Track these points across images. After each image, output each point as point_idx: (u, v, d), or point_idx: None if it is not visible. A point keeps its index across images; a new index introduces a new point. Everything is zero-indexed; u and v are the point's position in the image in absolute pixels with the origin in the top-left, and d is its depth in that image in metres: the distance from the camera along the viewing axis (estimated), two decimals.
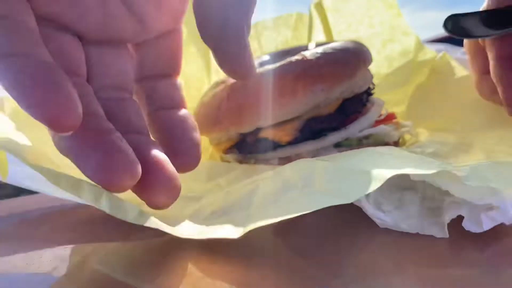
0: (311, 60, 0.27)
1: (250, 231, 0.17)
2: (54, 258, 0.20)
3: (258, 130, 0.27)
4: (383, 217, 0.20)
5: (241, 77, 0.21)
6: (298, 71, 0.26)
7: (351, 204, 0.23)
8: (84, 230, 0.23)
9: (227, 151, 0.29)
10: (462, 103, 0.30)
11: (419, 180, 0.21)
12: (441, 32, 0.26)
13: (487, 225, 0.17)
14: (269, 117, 0.26)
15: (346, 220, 0.22)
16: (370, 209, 0.20)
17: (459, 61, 0.34)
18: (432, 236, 0.18)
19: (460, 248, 0.18)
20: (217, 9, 0.20)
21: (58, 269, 0.18)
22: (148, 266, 0.18)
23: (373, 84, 0.30)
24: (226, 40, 0.20)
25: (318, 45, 0.29)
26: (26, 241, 0.22)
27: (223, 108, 0.28)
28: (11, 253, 0.21)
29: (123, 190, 0.16)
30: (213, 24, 0.20)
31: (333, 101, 0.27)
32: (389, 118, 0.29)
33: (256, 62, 0.30)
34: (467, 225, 0.18)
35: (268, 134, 0.27)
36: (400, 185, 0.22)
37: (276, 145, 0.27)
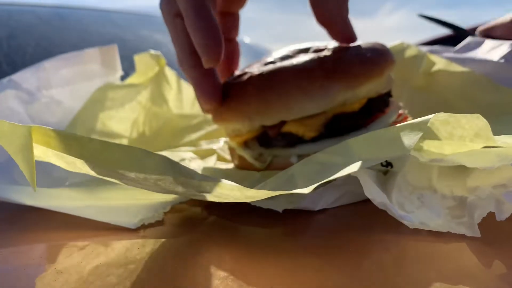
0: (341, 57, 0.26)
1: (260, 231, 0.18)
2: (55, 255, 0.19)
3: (281, 123, 0.27)
4: (408, 218, 0.20)
5: (344, 38, 0.27)
6: (329, 67, 0.26)
7: (364, 203, 0.23)
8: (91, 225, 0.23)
9: (246, 144, 0.29)
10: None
11: (436, 178, 0.22)
12: (440, 32, 0.27)
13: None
14: (295, 110, 0.26)
15: (358, 219, 0.22)
16: (395, 211, 0.20)
17: (452, 60, 0.36)
18: (446, 238, 0.19)
19: (476, 249, 0.18)
20: None
21: (58, 267, 0.18)
22: (163, 266, 0.18)
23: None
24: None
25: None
26: (24, 237, 0.22)
27: (248, 98, 0.27)
28: (5, 249, 0.21)
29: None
30: None
31: (360, 99, 0.27)
32: (405, 119, 0.30)
33: (276, 56, 0.29)
34: (500, 216, 0.18)
35: (292, 128, 0.27)
36: (417, 185, 0.22)
37: (297, 142, 0.27)
